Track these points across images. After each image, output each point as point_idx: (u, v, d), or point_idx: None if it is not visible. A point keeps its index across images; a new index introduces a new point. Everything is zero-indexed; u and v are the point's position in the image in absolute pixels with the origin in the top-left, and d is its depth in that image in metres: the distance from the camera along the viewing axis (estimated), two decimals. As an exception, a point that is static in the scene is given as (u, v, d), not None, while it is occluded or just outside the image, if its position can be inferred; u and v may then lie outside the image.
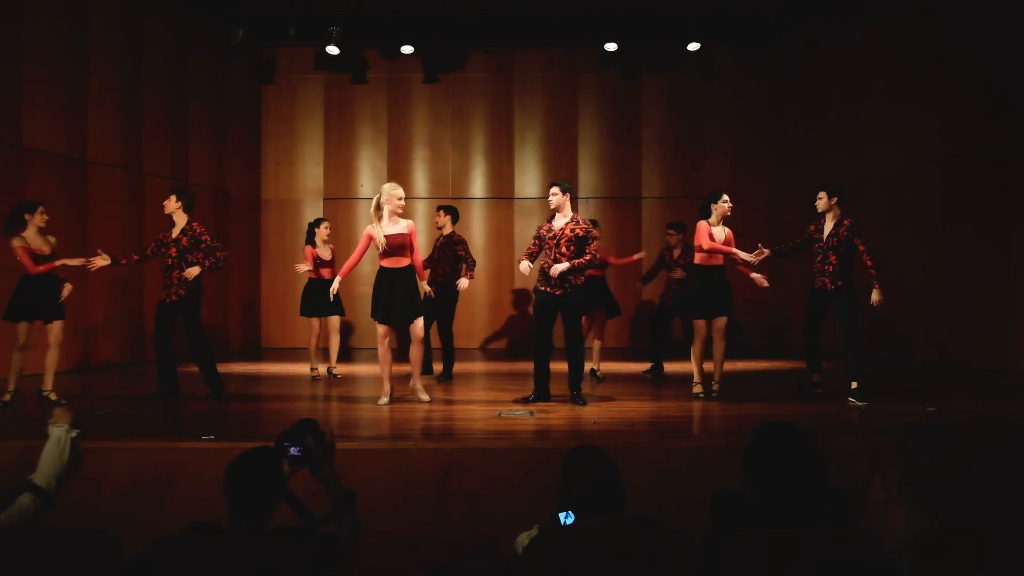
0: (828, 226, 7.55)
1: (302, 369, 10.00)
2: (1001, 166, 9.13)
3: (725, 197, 7.73)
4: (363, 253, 7.04)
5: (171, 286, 7.42)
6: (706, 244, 7.47)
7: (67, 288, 7.41)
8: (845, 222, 7.34)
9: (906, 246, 10.60)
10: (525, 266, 7.06)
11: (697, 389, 7.44)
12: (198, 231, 7.49)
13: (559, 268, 6.88)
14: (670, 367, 9.63)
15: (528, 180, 13.89)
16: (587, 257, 6.97)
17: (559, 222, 7.12)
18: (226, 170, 13.12)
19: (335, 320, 9.46)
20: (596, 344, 9.33)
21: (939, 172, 10.06)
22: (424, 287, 7.07)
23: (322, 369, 9.44)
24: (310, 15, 12.16)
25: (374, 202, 7.01)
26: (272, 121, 13.92)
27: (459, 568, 3.14)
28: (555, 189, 7.15)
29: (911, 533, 2.64)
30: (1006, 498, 2.68)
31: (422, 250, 9.16)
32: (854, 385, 7.02)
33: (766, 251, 7.61)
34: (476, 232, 13.81)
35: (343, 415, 6.70)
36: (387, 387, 7.07)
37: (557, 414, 6.49)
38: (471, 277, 8.29)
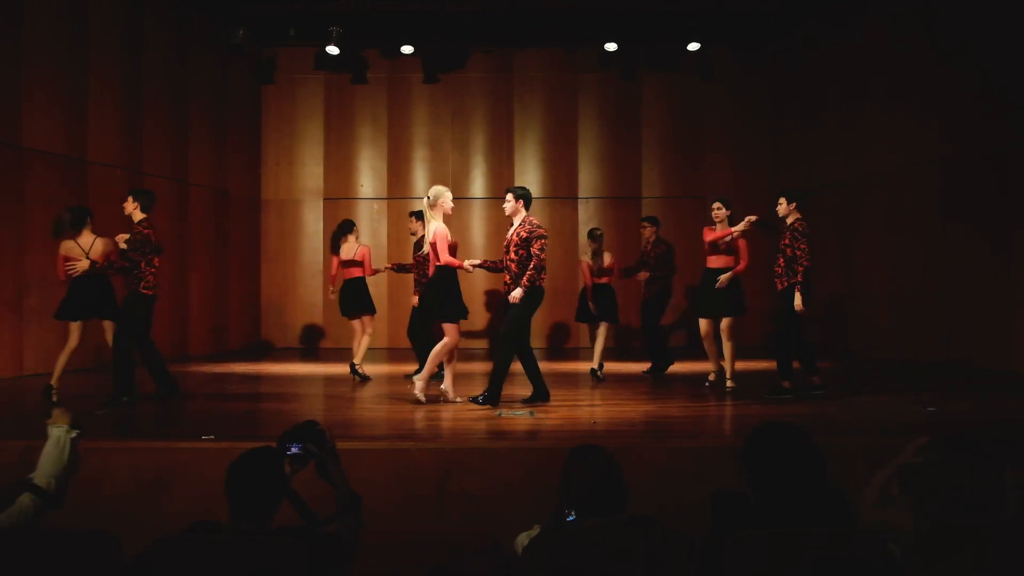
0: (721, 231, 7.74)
1: (302, 369, 9.99)
2: (1001, 166, 9.13)
3: (716, 204, 7.82)
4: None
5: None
6: (706, 239, 7.83)
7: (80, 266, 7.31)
8: (796, 226, 7.33)
9: (906, 246, 10.60)
10: (468, 263, 7.03)
11: (711, 378, 7.73)
12: (144, 232, 7.21)
13: (515, 296, 6.80)
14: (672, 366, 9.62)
15: (528, 180, 13.87)
16: (532, 263, 6.75)
17: (511, 229, 7.03)
18: (226, 170, 13.12)
19: (368, 319, 9.34)
20: (599, 345, 9.34)
21: (939, 172, 10.06)
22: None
23: (367, 368, 9.29)
24: (310, 15, 12.16)
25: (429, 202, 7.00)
26: (272, 121, 13.92)
27: (459, 568, 3.14)
28: (508, 196, 7.06)
29: (912, 532, 2.64)
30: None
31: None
32: (786, 384, 7.17)
33: (754, 217, 7.59)
34: (476, 232, 13.81)
35: (343, 415, 6.70)
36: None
37: (557, 414, 6.49)
38: None
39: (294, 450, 3.04)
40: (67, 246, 7.40)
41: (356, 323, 9.25)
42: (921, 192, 10.37)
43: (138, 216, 7.34)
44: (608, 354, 9.73)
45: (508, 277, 6.89)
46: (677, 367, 9.62)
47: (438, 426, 6.12)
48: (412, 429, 6.05)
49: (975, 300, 9.47)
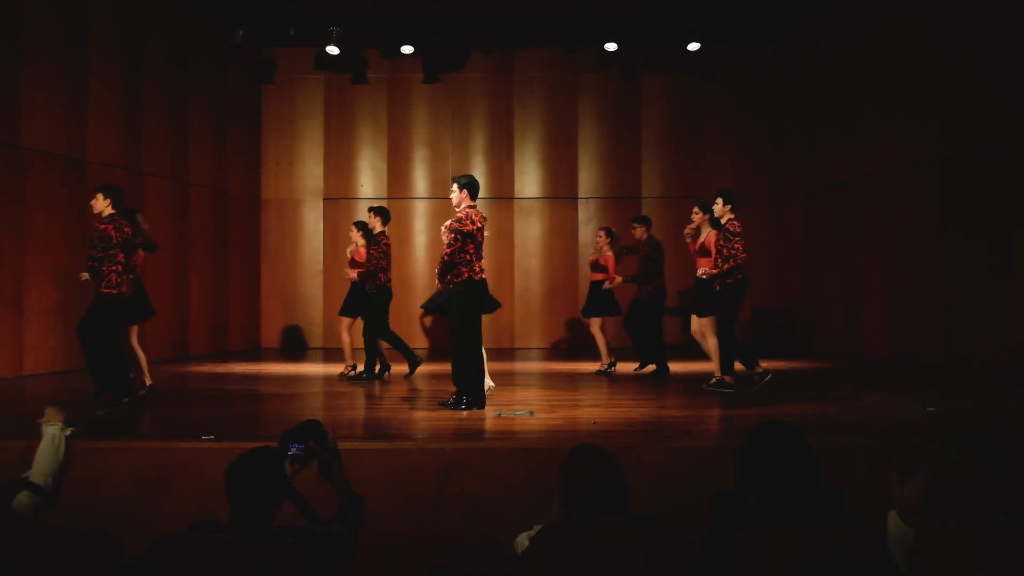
0: (702, 235, 7.90)
1: (301, 369, 10.00)
2: (1001, 166, 9.13)
3: (695, 208, 8.04)
4: None
5: None
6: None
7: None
8: (728, 226, 7.49)
9: (906, 246, 10.60)
10: None
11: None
12: (100, 228, 7.03)
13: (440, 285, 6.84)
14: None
15: (528, 180, 13.89)
16: (446, 251, 6.61)
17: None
18: (226, 170, 13.12)
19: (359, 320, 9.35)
20: (601, 340, 9.43)
21: (939, 172, 10.06)
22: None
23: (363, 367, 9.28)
24: (310, 15, 12.16)
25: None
26: (272, 121, 13.92)
27: (459, 568, 3.14)
28: (453, 185, 6.86)
29: (916, 530, 2.65)
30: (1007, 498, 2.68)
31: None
32: (723, 378, 7.43)
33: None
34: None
35: (343, 415, 6.70)
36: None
37: (557, 414, 6.49)
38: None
39: (295, 450, 3.03)
40: None
41: (347, 322, 9.20)
42: (921, 192, 10.37)
43: (108, 212, 7.13)
44: (592, 354, 9.74)
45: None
46: (675, 367, 9.61)
47: (438, 426, 6.12)
48: (412, 429, 6.05)
49: (975, 300, 9.47)
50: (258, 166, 13.88)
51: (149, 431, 6.19)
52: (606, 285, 9.43)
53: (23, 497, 3.01)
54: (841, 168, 11.97)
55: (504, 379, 9.26)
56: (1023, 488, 2.64)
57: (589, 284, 9.88)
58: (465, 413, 6.43)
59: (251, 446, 2.96)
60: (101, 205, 7.11)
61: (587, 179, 13.88)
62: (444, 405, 6.66)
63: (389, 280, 8.94)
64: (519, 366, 10.95)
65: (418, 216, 13.88)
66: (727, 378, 7.49)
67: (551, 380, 9.19)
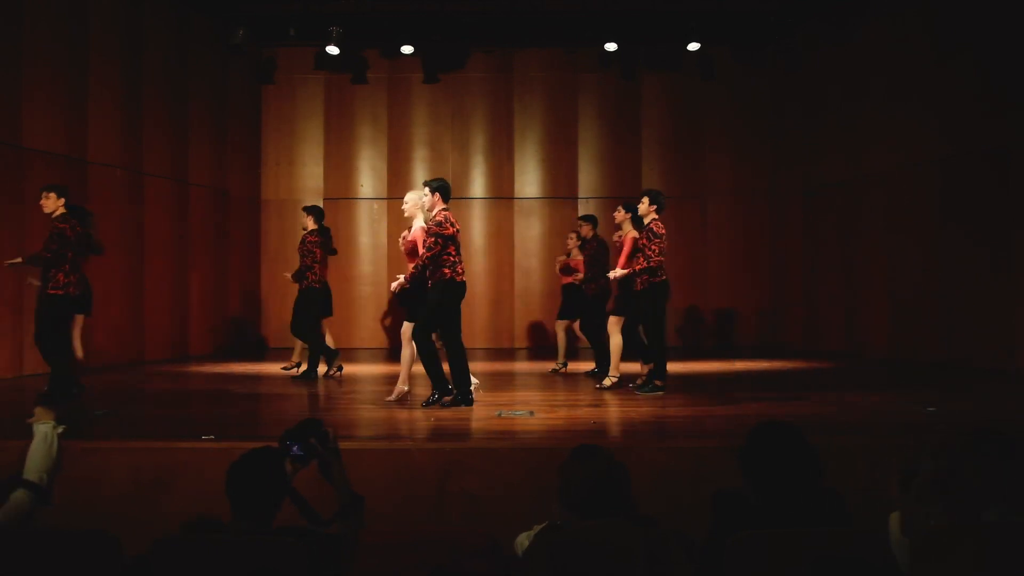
0: (623, 233, 8.02)
1: (301, 369, 9.98)
2: (1001, 166, 9.13)
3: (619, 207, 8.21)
4: None
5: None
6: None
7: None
8: (651, 226, 7.51)
9: (906, 246, 10.60)
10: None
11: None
12: (60, 226, 7.01)
13: (400, 282, 6.84)
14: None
15: (528, 180, 13.89)
16: (425, 255, 6.64)
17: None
18: (226, 170, 13.12)
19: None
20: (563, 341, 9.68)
21: (939, 172, 10.06)
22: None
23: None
24: (310, 15, 12.16)
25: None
26: (272, 121, 13.92)
27: (459, 568, 3.14)
28: (425, 188, 6.85)
29: (919, 529, 2.65)
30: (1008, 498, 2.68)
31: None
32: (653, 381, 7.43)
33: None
34: (476, 232, 13.81)
35: (343, 415, 6.70)
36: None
37: (557, 414, 6.49)
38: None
39: (296, 449, 3.03)
40: None
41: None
42: (921, 192, 10.37)
43: (60, 211, 7.14)
44: (592, 355, 9.68)
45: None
46: (668, 367, 9.58)
47: (438, 426, 6.12)
48: (412, 429, 6.05)
49: (975, 300, 9.47)
50: (258, 166, 13.88)
51: (149, 431, 6.18)
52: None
53: (20, 495, 3.02)
54: (841, 168, 11.97)
55: (504, 379, 9.27)
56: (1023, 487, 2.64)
57: (562, 287, 9.94)
58: (448, 412, 6.45)
59: (251, 446, 2.96)
60: (54, 204, 7.09)
61: (587, 179, 13.87)
62: (427, 404, 6.68)
63: (320, 280, 8.93)
64: (519, 366, 10.95)
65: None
66: (658, 380, 7.42)
67: (551, 380, 9.19)
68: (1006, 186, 9.06)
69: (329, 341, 9.37)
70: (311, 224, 9.09)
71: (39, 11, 9.50)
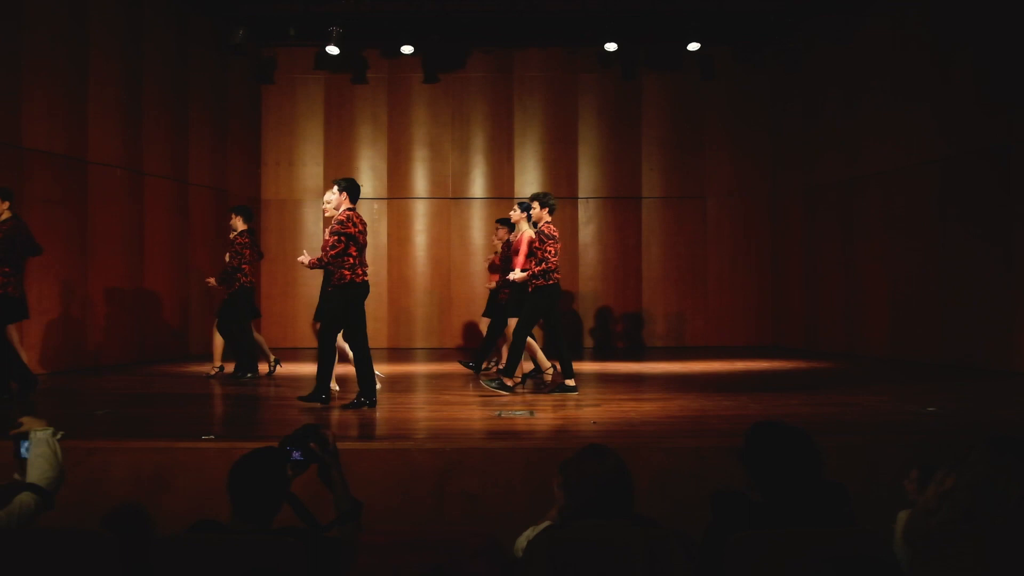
0: (517, 233, 7.96)
1: (302, 369, 9.99)
2: (1000, 166, 9.13)
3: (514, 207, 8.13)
4: None
5: None
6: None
7: None
8: (543, 228, 7.52)
9: (906, 246, 10.60)
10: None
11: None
12: (3, 231, 7.07)
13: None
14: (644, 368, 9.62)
15: (528, 180, 13.89)
16: (330, 253, 6.69)
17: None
18: (226, 170, 13.12)
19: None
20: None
21: (939, 172, 10.06)
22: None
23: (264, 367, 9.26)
24: (310, 15, 12.16)
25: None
26: (272, 121, 13.92)
27: (459, 568, 3.15)
28: (333, 188, 6.91)
29: (925, 529, 2.64)
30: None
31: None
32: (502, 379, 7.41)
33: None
34: (476, 232, 13.81)
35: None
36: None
37: (557, 414, 6.49)
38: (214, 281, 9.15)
39: (296, 455, 3.03)
40: None
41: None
42: (921, 192, 10.37)
43: (6, 215, 7.23)
44: (592, 355, 9.71)
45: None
46: (668, 367, 9.61)
47: (438, 426, 6.12)
48: (412, 429, 6.05)
49: (975, 300, 9.47)
50: (258, 166, 13.88)
51: (149, 431, 6.18)
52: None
53: (26, 497, 3.02)
54: (841, 168, 11.97)
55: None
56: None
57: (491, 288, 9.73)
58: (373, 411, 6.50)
59: (251, 446, 2.97)
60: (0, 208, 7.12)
61: (587, 179, 13.88)
62: (346, 408, 6.67)
63: (251, 281, 8.95)
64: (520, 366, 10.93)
65: (418, 216, 13.88)
66: (508, 380, 7.38)
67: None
68: (1006, 186, 9.07)
69: (259, 339, 9.35)
70: (240, 225, 9.03)
71: (39, 11, 9.49)
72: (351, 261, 6.64)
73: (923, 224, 10.33)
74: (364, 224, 6.86)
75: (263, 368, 9.10)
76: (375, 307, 13.68)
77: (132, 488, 4.92)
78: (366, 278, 6.74)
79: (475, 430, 5.90)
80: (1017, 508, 2.52)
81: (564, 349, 7.64)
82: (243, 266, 8.90)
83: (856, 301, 11.64)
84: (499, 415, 6.37)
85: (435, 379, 9.09)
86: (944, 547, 2.52)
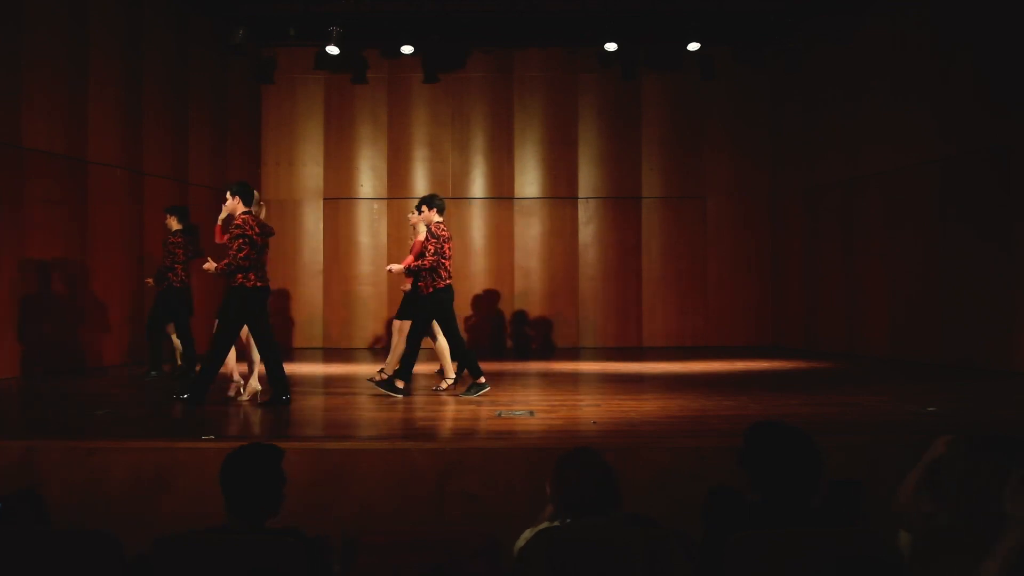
0: (419, 236, 7.91)
1: (303, 369, 10.00)
2: (1001, 166, 9.13)
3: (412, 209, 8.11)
4: None
5: None
6: None
7: None
8: (431, 228, 7.47)
9: (906, 246, 10.60)
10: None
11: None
12: None
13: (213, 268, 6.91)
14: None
15: (528, 180, 13.89)
16: (238, 255, 6.74)
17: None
18: (226, 170, 13.11)
19: None
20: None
21: (939, 172, 10.06)
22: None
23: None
24: (310, 15, 12.15)
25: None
26: (272, 121, 13.93)
27: (459, 568, 3.14)
28: (227, 194, 7.03)
29: (925, 529, 2.65)
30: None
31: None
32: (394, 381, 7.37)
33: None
34: (476, 232, 13.81)
35: (343, 415, 6.70)
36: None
37: (557, 414, 6.49)
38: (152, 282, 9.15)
39: None
40: None
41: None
42: (921, 192, 10.37)
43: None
44: (592, 355, 9.69)
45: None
46: (668, 367, 9.61)
47: (438, 426, 6.12)
48: (412, 429, 6.05)
49: (975, 300, 9.47)
50: (258, 166, 13.88)
51: (149, 431, 6.18)
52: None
53: None
54: (841, 168, 11.97)
55: (504, 379, 9.26)
56: None
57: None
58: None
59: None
60: None
61: (587, 179, 13.88)
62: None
63: (183, 281, 8.95)
64: (519, 366, 10.95)
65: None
66: (399, 382, 7.33)
67: (551, 380, 9.20)
68: (1006, 186, 9.07)
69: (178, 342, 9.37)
70: (175, 225, 9.03)
71: (39, 11, 9.49)
72: (246, 264, 6.73)
73: (923, 224, 10.33)
74: (260, 227, 6.91)
75: (173, 368, 9.23)
76: (375, 307, 13.71)
77: (132, 488, 4.92)
78: (259, 283, 6.82)
79: (475, 430, 5.90)
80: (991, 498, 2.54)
81: (462, 348, 7.54)
82: (175, 266, 8.90)
83: (856, 301, 11.64)
84: (499, 415, 6.38)
85: (434, 379, 9.07)
86: (943, 546, 2.52)
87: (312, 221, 13.84)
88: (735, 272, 13.71)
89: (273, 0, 12.41)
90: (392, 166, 13.88)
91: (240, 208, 6.85)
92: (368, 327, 13.71)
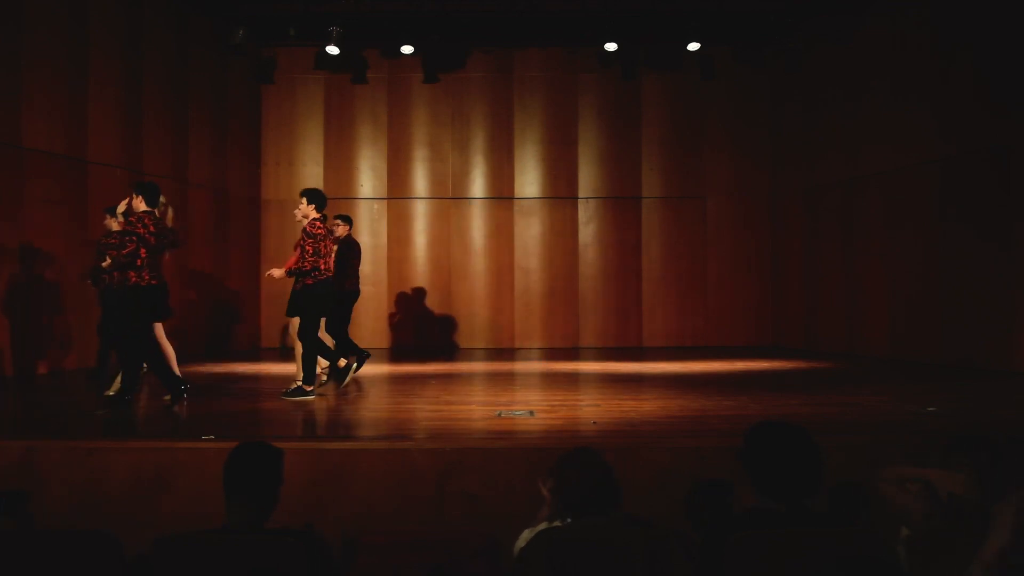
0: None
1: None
2: (1001, 166, 9.13)
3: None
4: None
5: None
6: None
7: None
8: (306, 227, 7.29)
9: (906, 246, 10.60)
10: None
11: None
12: None
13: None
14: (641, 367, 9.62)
15: (528, 180, 13.89)
16: (122, 252, 6.69)
17: None
18: (226, 170, 13.12)
19: None
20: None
21: (939, 172, 10.06)
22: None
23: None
24: (310, 15, 12.16)
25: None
26: (272, 121, 13.93)
27: (459, 568, 3.15)
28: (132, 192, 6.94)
29: (919, 529, 2.65)
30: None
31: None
32: (302, 386, 7.24)
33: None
34: (476, 232, 13.81)
35: (343, 415, 6.70)
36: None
37: (557, 414, 6.49)
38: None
39: None
40: None
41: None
42: (921, 192, 10.37)
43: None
44: (592, 355, 9.68)
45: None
46: (668, 367, 9.60)
47: (438, 426, 6.12)
48: (412, 429, 6.05)
49: (975, 300, 9.48)
50: (258, 166, 13.88)
51: (149, 431, 6.18)
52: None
53: None
54: (841, 168, 11.97)
55: (504, 379, 9.28)
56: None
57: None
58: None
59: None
60: None
61: (587, 179, 13.88)
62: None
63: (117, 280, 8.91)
64: (519, 366, 10.95)
65: (418, 216, 13.88)
66: (306, 386, 7.26)
67: (551, 380, 9.20)
68: (1006, 186, 9.07)
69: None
70: (115, 226, 8.93)
71: (39, 11, 9.49)
72: (138, 263, 6.62)
73: (923, 224, 10.33)
74: (159, 229, 6.77)
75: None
76: (376, 307, 13.70)
77: (132, 488, 4.92)
78: (154, 283, 6.72)
79: (475, 430, 5.90)
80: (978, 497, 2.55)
81: (315, 352, 7.41)
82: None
83: (856, 301, 11.64)
84: (499, 415, 6.38)
85: (435, 379, 9.09)
86: (942, 546, 2.53)
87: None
88: (735, 272, 13.71)
89: (273, 0, 12.41)
90: (392, 166, 13.88)
91: (141, 207, 6.76)
92: (368, 327, 13.70)
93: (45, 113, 9.54)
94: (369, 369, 9.57)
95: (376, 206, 13.87)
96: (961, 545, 2.50)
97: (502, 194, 13.85)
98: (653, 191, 13.83)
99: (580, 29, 12.79)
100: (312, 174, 13.90)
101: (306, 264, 7.12)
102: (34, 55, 9.37)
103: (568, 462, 2.95)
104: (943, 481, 2.72)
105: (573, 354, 12.46)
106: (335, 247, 8.45)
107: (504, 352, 13.05)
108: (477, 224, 13.83)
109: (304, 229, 7.26)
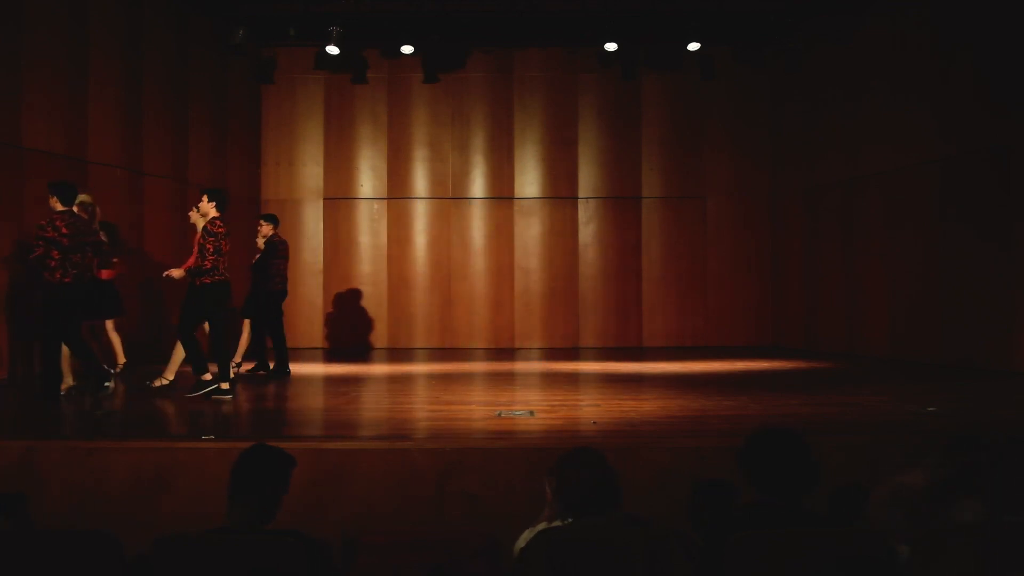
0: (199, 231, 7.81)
1: (304, 369, 9.99)
2: (1001, 166, 9.13)
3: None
4: None
5: None
6: None
7: None
8: (207, 225, 7.36)
9: (906, 246, 10.60)
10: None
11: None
12: None
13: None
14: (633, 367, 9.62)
15: (528, 180, 13.89)
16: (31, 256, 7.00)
17: None
18: (226, 170, 13.12)
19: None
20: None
21: (939, 172, 10.06)
22: None
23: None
24: (310, 15, 12.15)
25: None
26: (272, 121, 13.93)
27: (459, 568, 3.15)
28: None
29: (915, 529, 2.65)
30: (1005, 498, 2.68)
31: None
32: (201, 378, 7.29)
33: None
34: (476, 232, 13.81)
35: (343, 415, 6.70)
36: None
37: (557, 414, 6.49)
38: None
39: None
40: None
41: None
42: (921, 192, 10.37)
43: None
44: (592, 355, 9.68)
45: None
46: (668, 367, 9.60)
47: (438, 426, 6.12)
48: (412, 429, 6.05)
49: (975, 300, 9.47)
50: (258, 166, 13.88)
51: (149, 431, 6.18)
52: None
53: None
54: (841, 168, 11.97)
55: (504, 379, 9.28)
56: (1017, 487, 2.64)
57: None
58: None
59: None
60: None
61: (587, 179, 13.88)
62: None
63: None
64: (519, 366, 10.95)
65: (418, 216, 13.88)
66: (211, 380, 7.26)
67: (551, 380, 9.20)
68: (1006, 186, 9.07)
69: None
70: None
71: (39, 11, 9.48)
72: (51, 264, 6.83)
73: (923, 224, 10.33)
74: (74, 228, 6.90)
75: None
76: (376, 307, 13.71)
77: (132, 488, 4.92)
78: (67, 280, 6.85)
79: (475, 430, 5.90)
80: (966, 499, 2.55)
81: (224, 350, 7.41)
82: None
83: (856, 301, 11.64)
84: (499, 415, 6.38)
85: (435, 379, 9.09)
86: (942, 547, 2.53)
87: (312, 221, 13.84)
88: (735, 272, 13.71)
89: (273, 0, 12.41)
90: (392, 166, 13.88)
91: (58, 207, 6.93)
92: (368, 327, 13.71)
93: (45, 113, 9.53)
94: (369, 369, 9.58)
95: (376, 206, 13.88)
96: (966, 546, 2.49)
97: (502, 194, 13.85)
98: (653, 191, 13.83)
99: (580, 29, 12.79)
100: (312, 174, 13.90)
101: (206, 263, 7.14)
102: (34, 55, 9.36)
103: (568, 462, 2.96)
104: (916, 480, 2.72)
105: (573, 354, 12.46)
106: (228, 248, 8.26)
107: (504, 352, 13.04)
108: (477, 224, 13.83)
109: (205, 227, 7.29)
